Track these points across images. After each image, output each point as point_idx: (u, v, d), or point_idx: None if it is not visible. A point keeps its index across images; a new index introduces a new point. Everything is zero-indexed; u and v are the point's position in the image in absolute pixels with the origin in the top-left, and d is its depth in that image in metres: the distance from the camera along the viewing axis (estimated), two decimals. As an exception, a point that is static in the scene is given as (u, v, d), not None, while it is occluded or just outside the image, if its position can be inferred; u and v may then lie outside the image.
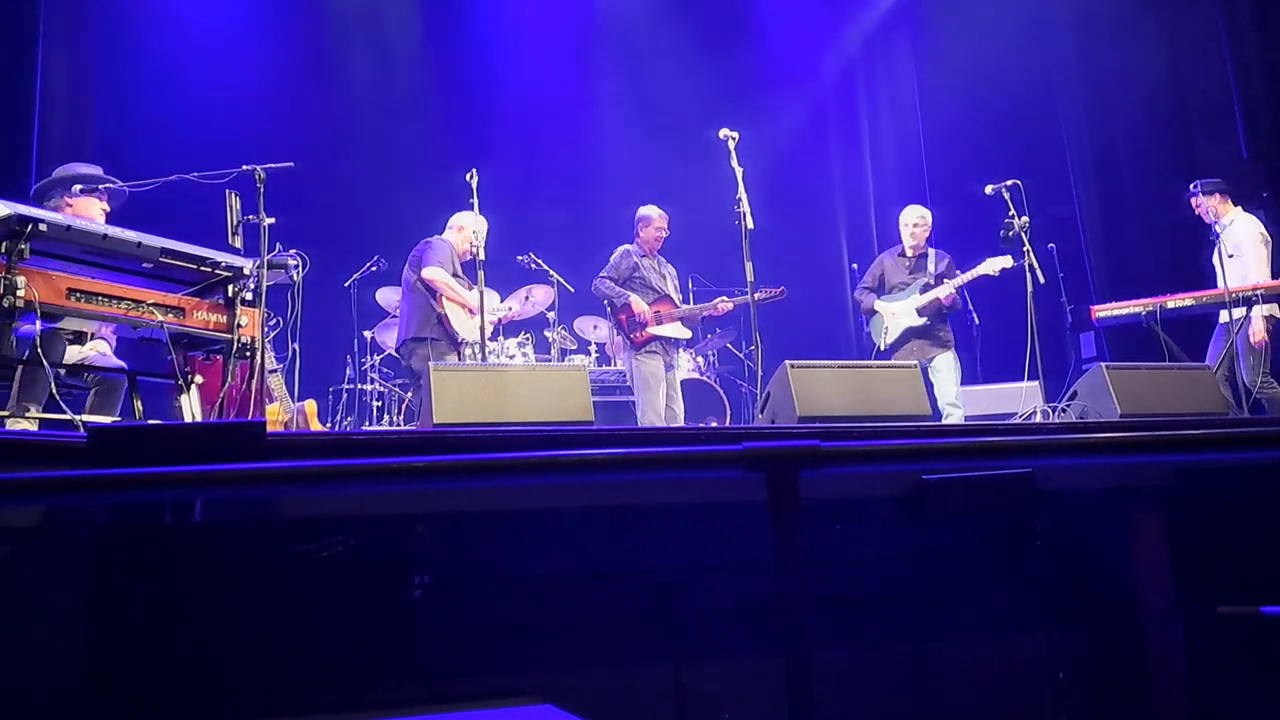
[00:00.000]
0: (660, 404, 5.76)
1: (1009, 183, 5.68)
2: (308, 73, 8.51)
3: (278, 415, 5.57)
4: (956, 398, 6.00)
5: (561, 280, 7.07)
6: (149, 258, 3.34)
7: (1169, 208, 6.99)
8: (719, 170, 5.24)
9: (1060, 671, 2.90)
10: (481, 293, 5.17)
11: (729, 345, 8.06)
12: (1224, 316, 5.69)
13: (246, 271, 3.59)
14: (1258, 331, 5.56)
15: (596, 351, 7.69)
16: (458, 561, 2.51)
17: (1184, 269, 6.38)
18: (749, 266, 5.06)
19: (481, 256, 5.28)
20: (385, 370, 7.25)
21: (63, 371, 3.66)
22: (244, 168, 4.09)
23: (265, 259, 3.82)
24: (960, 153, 8.53)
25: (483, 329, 5.20)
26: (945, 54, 8.95)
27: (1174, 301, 5.82)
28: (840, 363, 3.90)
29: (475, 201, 5.31)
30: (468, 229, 5.54)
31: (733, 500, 2.43)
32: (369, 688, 2.36)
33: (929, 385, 6.01)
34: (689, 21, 9.70)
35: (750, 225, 5.05)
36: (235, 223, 3.85)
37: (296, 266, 4.29)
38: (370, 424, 6.90)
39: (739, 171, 5.10)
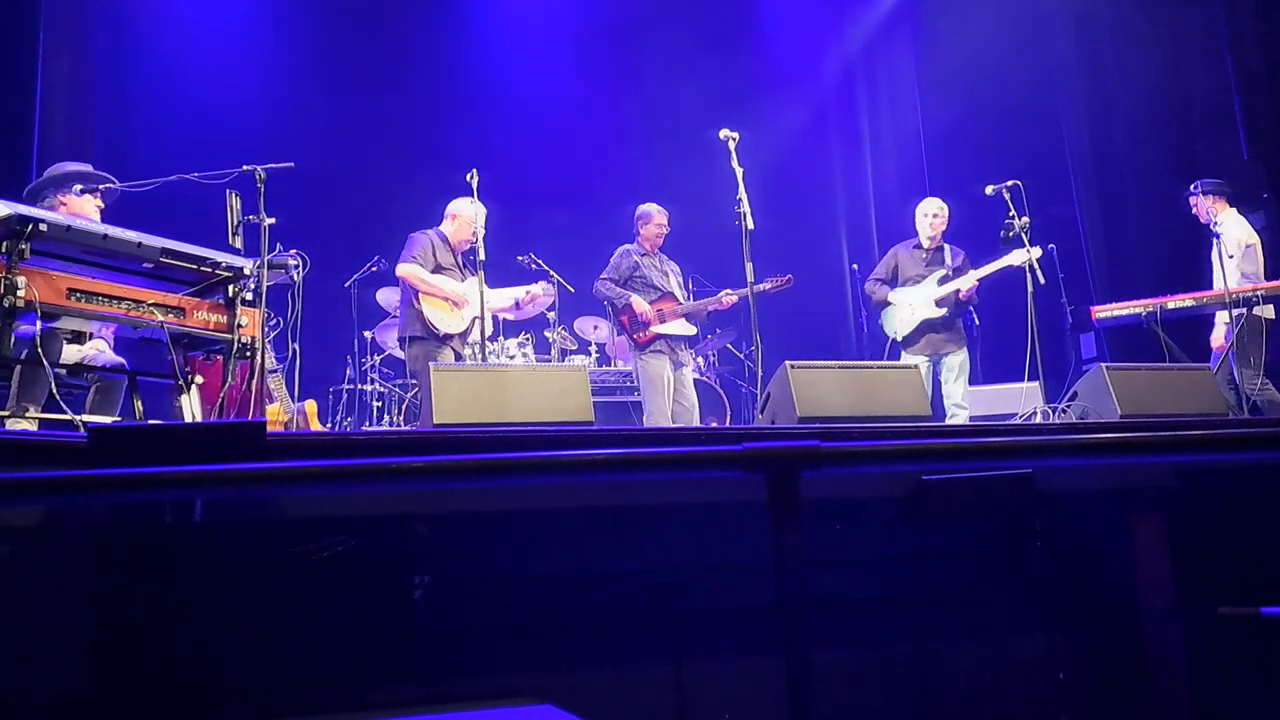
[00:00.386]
0: (666, 404, 5.72)
1: (1009, 183, 5.68)
2: (308, 73, 8.51)
3: (278, 415, 5.56)
4: (963, 398, 5.96)
5: (562, 280, 7.07)
6: (149, 258, 3.34)
7: (1169, 208, 6.99)
8: (719, 170, 5.23)
9: (1060, 672, 2.90)
10: (482, 290, 5.09)
11: (729, 346, 8.06)
12: (1222, 318, 5.71)
13: (247, 271, 3.59)
14: (1217, 337, 5.72)
15: (597, 352, 7.69)
16: (458, 561, 2.51)
17: (1184, 270, 6.38)
18: (749, 267, 5.06)
19: (481, 255, 5.19)
20: (385, 370, 7.25)
21: (63, 371, 3.66)
22: (244, 168, 4.08)
23: (265, 259, 3.82)
24: (960, 153, 8.54)
25: (483, 329, 5.16)
26: (945, 54, 8.95)
27: (1174, 302, 5.82)
28: (840, 363, 3.90)
29: (473, 178, 5.24)
30: (463, 216, 5.42)
31: (733, 500, 2.43)
32: (369, 688, 2.36)
33: (936, 382, 6.01)
34: (689, 22, 9.69)
35: (750, 225, 5.05)
36: (235, 223, 3.85)
37: (297, 266, 4.29)
38: (370, 424, 6.90)
39: (739, 172, 5.10)
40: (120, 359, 4.14)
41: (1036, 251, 5.68)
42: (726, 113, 6.05)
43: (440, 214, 5.57)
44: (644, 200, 6.20)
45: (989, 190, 5.75)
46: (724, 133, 5.15)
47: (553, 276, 7.11)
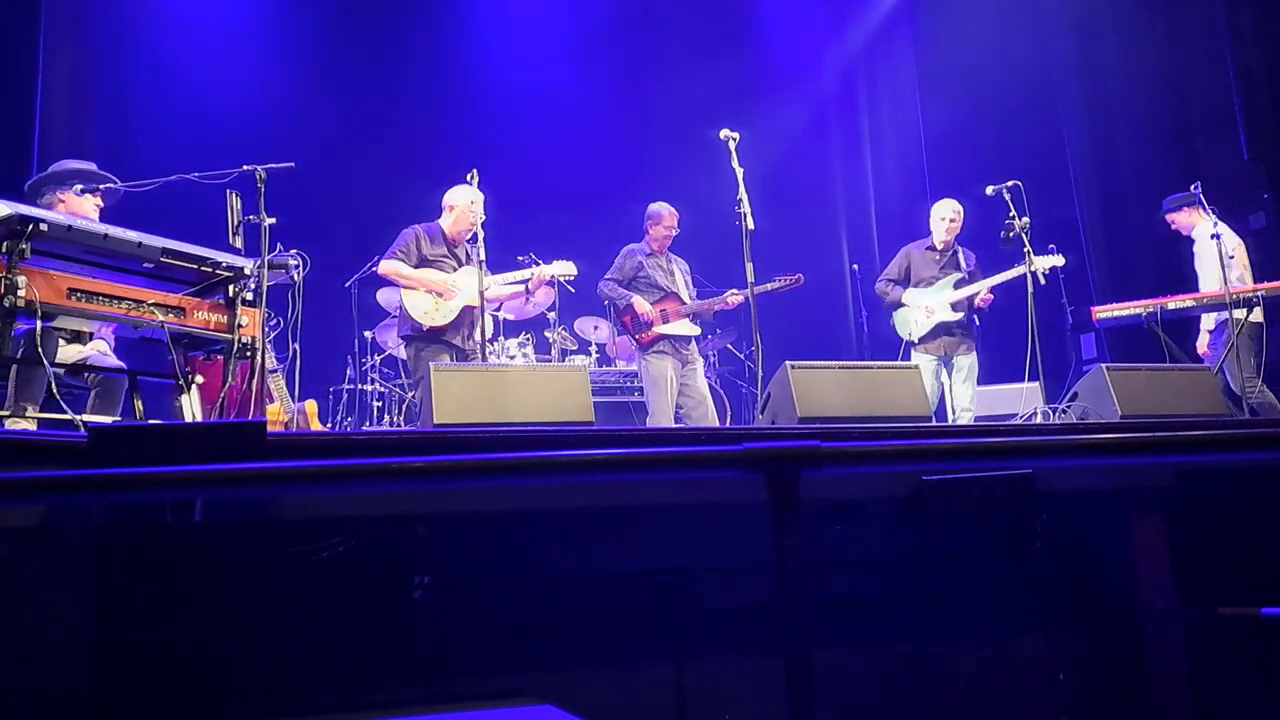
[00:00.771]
0: (669, 405, 5.70)
1: (1009, 184, 5.67)
2: (308, 73, 8.51)
3: (278, 415, 5.56)
4: (971, 402, 5.95)
5: (562, 280, 7.06)
6: (150, 258, 3.34)
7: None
8: (720, 170, 5.23)
9: (1060, 672, 2.90)
10: (481, 276, 4.99)
11: (729, 346, 8.06)
12: (1206, 325, 5.81)
13: (247, 271, 3.59)
14: (1202, 344, 5.82)
15: (597, 352, 7.69)
16: (458, 561, 2.51)
17: (1184, 270, 6.37)
18: (749, 267, 5.06)
19: (480, 242, 5.08)
20: (385, 370, 7.25)
21: (62, 371, 3.66)
22: (245, 168, 4.08)
23: (266, 259, 3.82)
24: (961, 153, 8.54)
25: (483, 318, 5.12)
26: (946, 55, 8.95)
27: (1174, 303, 5.82)
28: (841, 363, 3.89)
29: (473, 179, 5.21)
30: (459, 206, 5.32)
31: (733, 500, 2.43)
32: (369, 688, 2.36)
33: (949, 385, 6.00)
34: (690, 22, 9.70)
35: (751, 226, 5.05)
36: (236, 223, 3.85)
37: (297, 266, 4.28)
38: (370, 424, 6.90)
39: (739, 172, 5.10)
40: (120, 361, 4.14)
41: (1059, 259, 5.68)
42: (727, 113, 6.04)
43: (440, 212, 5.56)
44: (644, 201, 6.20)
45: (989, 191, 5.74)
46: (724, 133, 5.14)
47: (553, 278, 7.10)
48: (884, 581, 2.86)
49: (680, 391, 5.79)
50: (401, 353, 7.00)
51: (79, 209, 4.11)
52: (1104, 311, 6.03)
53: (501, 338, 6.92)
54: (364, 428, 6.80)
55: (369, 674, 2.37)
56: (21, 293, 2.93)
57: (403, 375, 7.24)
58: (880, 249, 9.22)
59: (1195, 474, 2.81)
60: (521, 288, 5.58)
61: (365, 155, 8.52)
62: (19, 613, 2.06)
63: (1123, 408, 3.78)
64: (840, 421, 3.51)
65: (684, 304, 5.91)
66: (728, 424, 7.12)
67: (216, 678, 2.23)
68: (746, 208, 5.06)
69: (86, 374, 4.00)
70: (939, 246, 6.17)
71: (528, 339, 7.07)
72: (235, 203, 3.86)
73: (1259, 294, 5.37)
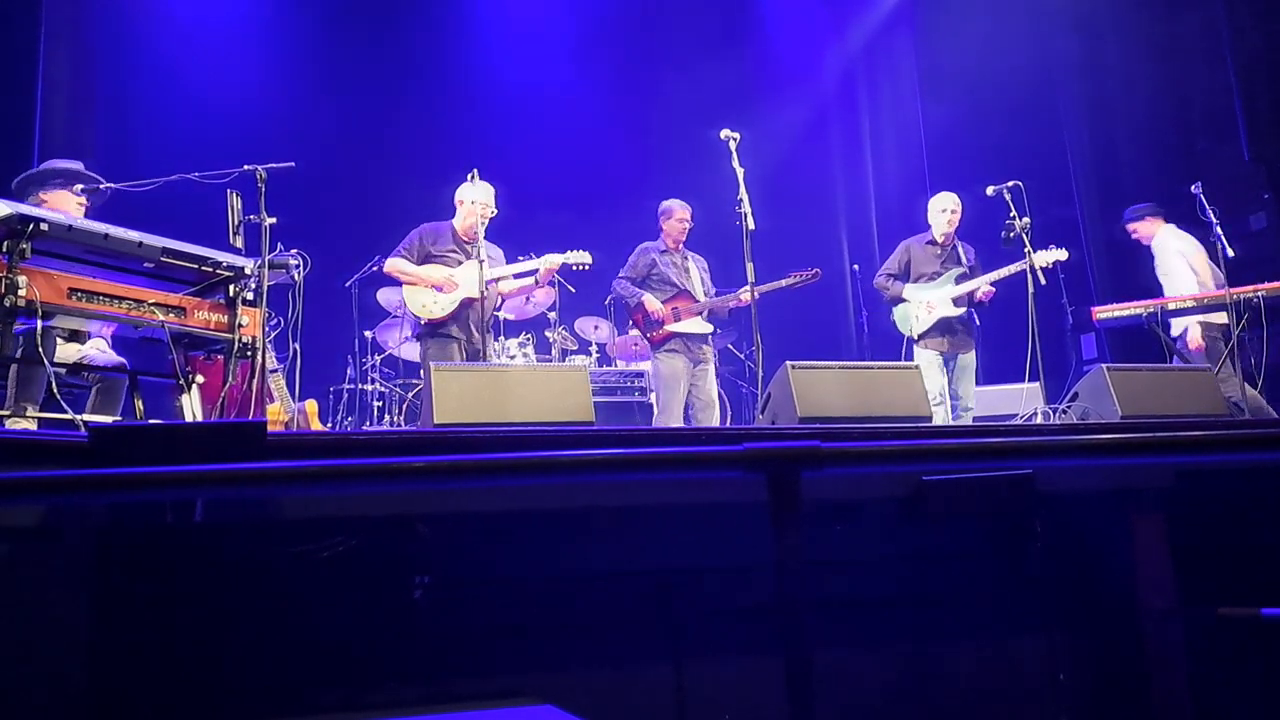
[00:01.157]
0: (678, 403, 5.69)
1: (1010, 184, 5.67)
2: (309, 73, 8.51)
3: (278, 415, 5.56)
4: (972, 398, 5.94)
5: (562, 280, 7.06)
6: (150, 257, 3.34)
7: (1170, 209, 6.98)
8: (720, 171, 5.23)
9: (1061, 673, 2.90)
10: (482, 266, 4.97)
11: (730, 346, 8.06)
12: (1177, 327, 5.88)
13: (248, 271, 3.60)
14: (1194, 339, 5.82)
15: (597, 352, 7.69)
16: (458, 561, 2.51)
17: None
18: (750, 267, 5.06)
19: (481, 236, 5.06)
20: (386, 370, 7.26)
21: (62, 370, 3.66)
22: (245, 167, 4.08)
23: (266, 259, 3.81)
24: (961, 153, 8.53)
25: (484, 323, 5.11)
26: (946, 55, 8.95)
27: (1175, 303, 5.82)
28: (841, 364, 3.89)
29: (473, 178, 5.21)
30: (466, 203, 5.32)
31: (733, 501, 2.43)
32: (369, 688, 2.36)
33: (949, 382, 5.99)
34: (690, 22, 9.70)
35: (751, 226, 5.04)
36: (236, 222, 3.85)
37: (297, 266, 4.28)
38: (371, 424, 6.90)
39: (740, 172, 5.09)
40: (120, 359, 4.14)
41: (1062, 253, 5.67)
42: (727, 113, 6.04)
43: (441, 214, 5.56)
44: (645, 201, 6.21)
45: (989, 191, 5.73)
46: (725, 133, 5.14)
47: (554, 278, 7.11)
48: (884, 581, 2.86)
49: (688, 391, 5.79)
50: (403, 353, 7.02)
51: (58, 205, 4.09)
52: (1104, 312, 6.03)
53: (502, 337, 6.92)
54: (364, 428, 6.80)
55: (369, 674, 2.37)
56: (22, 292, 2.93)
57: (402, 374, 7.26)
58: (880, 249, 9.21)
59: (1195, 474, 2.81)
60: (532, 280, 5.44)
61: (365, 155, 8.52)
62: (19, 613, 2.06)
63: (1123, 408, 3.78)
64: (840, 421, 3.51)
65: (696, 301, 5.88)
66: (728, 424, 7.11)
67: (216, 678, 2.23)
68: (747, 208, 5.05)
69: (87, 374, 4.00)
70: (939, 240, 6.13)
71: (528, 339, 7.07)
72: (236, 202, 3.86)
73: (1259, 294, 5.37)
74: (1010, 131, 8.29)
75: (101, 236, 3.21)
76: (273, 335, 5.08)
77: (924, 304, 6.01)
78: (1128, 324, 6.01)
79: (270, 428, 2.16)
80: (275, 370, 5.53)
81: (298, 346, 4.96)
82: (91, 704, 2.09)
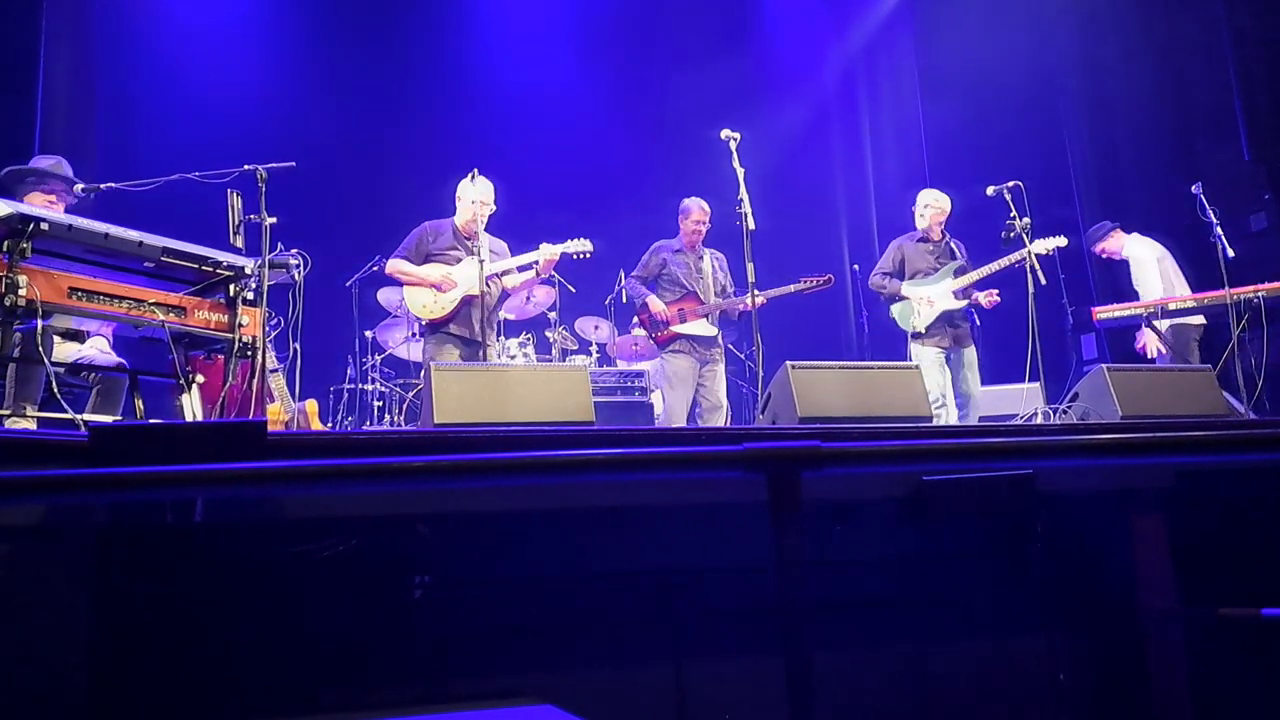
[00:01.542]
0: (682, 403, 5.68)
1: (1010, 184, 5.67)
2: (309, 73, 8.52)
3: (279, 415, 5.56)
4: (979, 391, 5.92)
5: (562, 280, 7.07)
6: (151, 257, 3.34)
7: (1170, 209, 6.99)
8: (721, 171, 5.23)
9: (1061, 673, 2.90)
10: (482, 263, 4.95)
11: (730, 346, 8.05)
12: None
13: (248, 271, 3.60)
14: (1149, 344, 5.99)
15: (597, 352, 7.69)
16: (458, 561, 2.51)
17: (1184, 271, 6.37)
18: (750, 267, 5.05)
19: (481, 233, 5.05)
20: (386, 370, 7.25)
21: (62, 370, 3.66)
22: (245, 167, 4.08)
23: (266, 258, 3.81)
24: (961, 153, 8.53)
25: (484, 321, 5.09)
26: (946, 55, 8.95)
27: (1174, 303, 5.83)
28: (841, 364, 3.89)
29: (474, 178, 5.20)
30: (465, 200, 5.30)
31: (733, 501, 2.43)
32: (369, 688, 2.36)
33: (955, 378, 5.98)
34: (691, 22, 9.70)
35: (751, 226, 5.04)
36: (237, 222, 3.85)
37: (298, 266, 4.28)
38: (371, 424, 6.90)
39: (740, 172, 5.09)
40: (120, 359, 4.14)
41: (1062, 240, 5.67)
42: (728, 113, 6.03)
43: (441, 214, 5.56)
44: (645, 201, 6.23)
45: (990, 191, 5.73)
46: (725, 133, 5.13)
47: (554, 277, 7.11)
48: (884, 582, 2.86)
49: (696, 391, 5.77)
50: (404, 353, 7.03)
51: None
52: (1104, 312, 6.03)
53: (502, 337, 6.92)
54: (364, 427, 6.80)
55: (369, 674, 2.37)
56: (23, 292, 2.93)
57: (402, 374, 7.25)
58: (880, 249, 9.18)
59: (1195, 474, 2.81)
60: (532, 273, 5.40)
61: (366, 155, 8.52)
62: (19, 613, 2.06)
63: (1123, 408, 3.78)
64: (841, 422, 3.50)
65: (702, 304, 5.85)
66: (728, 424, 7.11)
67: (216, 677, 2.23)
68: (747, 208, 5.05)
69: (87, 373, 4.00)
70: (930, 237, 6.14)
71: (528, 339, 7.07)
72: (236, 202, 3.86)
73: (1260, 294, 5.37)
74: (1010, 131, 8.29)
75: (102, 236, 3.21)
76: (273, 335, 5.08)
77: (924, 299, 6.00)
78: (1128, 324, 6.02)
79: (270, 428, 2.16)
80: (275, 370, 5.53)
81: (298, 346, 4.96)
82: (92, 704, 2.09)
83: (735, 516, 2.33)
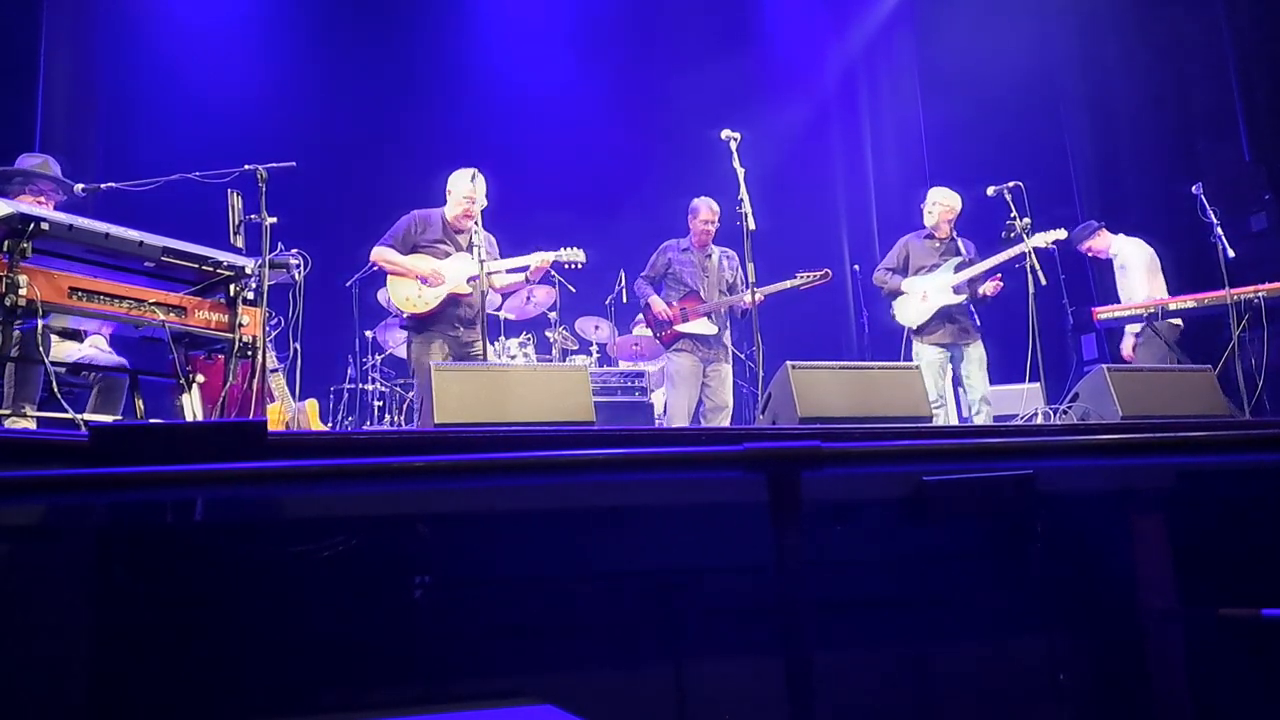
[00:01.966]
0: (686, 402, 5.68)
1: (1010, 184, 5.67)
2: (309, 72, 8.52)
3: (279, 415, 5.56)
4: (988, 393, 5.89)
5: (562, 280, 7.07)
6: (151, 257, 3.34)
7: (1170, 209, 6.98)
8: (721, 171, 5.23)
9: (1061, 673, 2.90)
10: (481, 259, 4.88)
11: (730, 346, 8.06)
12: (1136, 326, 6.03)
13: (248, 271, 3.60)
14: (1125, 348, 6.09)
15: (598, 352, 7.69)
16: (458, 561, 2.51)
17: (1185, 271, 6.38)
18: (750, 267, 5.06)
19: (477, 228, 4.98)
20: (386, 370, 7.26)
21: (62, 370, 3.66)
22: (246, 167, 4.08)
23: (267, 258, 3.82)
24: (961, 153, 8.53)
25: (484, 321, 5.04)
26: (947, 55, 8.95)
27: (1175, 303, 5.82)
28: (841, 364, 3.89)
29: (475, 173, 5.14)
30: (455, 191, 5.18)
31: (734, 501, 2.43)
32: (369, 688, 2.36)
33: (957, 378, 5.97)
34: (692, 22, 9.70)
35: (752, 226, 5.04)
36: (237, 222, 3.85)
37: (298, 266, 4.29)
38: (371, 424, 6.90)
39: (741, 172, 5.09)
40: (121, 359, 4.14)
41: (1061, 233, 5.66)
42: (728, 113, 6.03)
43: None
44: (644, 201, 6.23)
45: (990, 191, 5.73)
46: (726, 133, 5.14)
47: (554, 277, 7.11)
48: (884, 582, 2.86)
49: (701, 391, 5.77)
50: (404, 353, 7.01)
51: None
52: (1105, 312, 6.03)
53: (502, 337, 6.92)
54: (364, 427, 6.80)
55: (369, 674, 2.37)
56: (23, 291, 2.93)
57: (402, 374, 7.26)
58: (881, 249, 9.20)
59: (1196, 475, 2.80)
60: (521, 277, 5.33)
61: (366, 155, 8.52)
62: (19, 613, 2.06)
63: (1123, 408, 3.78)
64: (841, 422, 3.50)
65: (703, 302, 5.85)
66: (728, 424, 7.11)
67: (217, 677, 2.23)
68: (748, 208, 5.05)
69: (88, 373, 4.01)
70: (936, 234, 6.12)
71: (529, 339, 7.08)
72: (236, 202, 3.86)
73: (1260, 294, 5.37)
74: (1010, 131, 8.28)
75: (102, 236, 3.21)
76: (273, 335, 5.08)
77: (921, 294, 5.98)
78: (1128, 324, 6.02)
79: (270, 427, 2.16)
80: (276, 370, 5.53)
81: (298, 346, 4.96)
82: (91, 704, 2.09)
83: (735, 516, 2.33)
